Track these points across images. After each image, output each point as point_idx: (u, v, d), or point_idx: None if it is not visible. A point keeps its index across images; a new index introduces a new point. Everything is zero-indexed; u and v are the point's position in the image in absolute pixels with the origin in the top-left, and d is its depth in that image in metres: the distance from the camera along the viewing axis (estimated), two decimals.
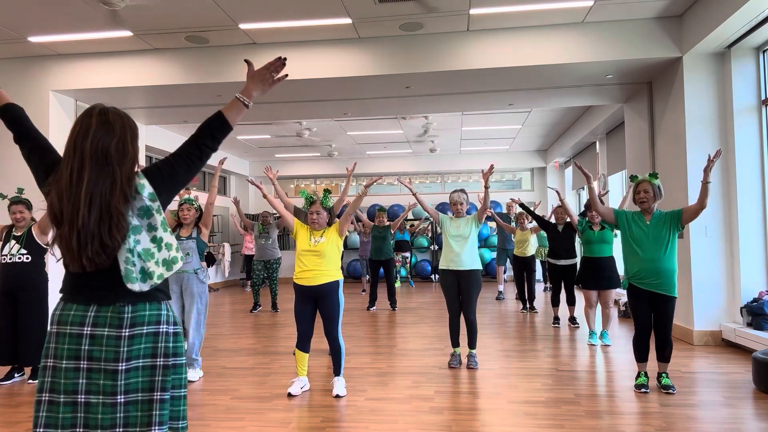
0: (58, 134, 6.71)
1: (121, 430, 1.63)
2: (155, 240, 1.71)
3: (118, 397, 1.62)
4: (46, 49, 6.51)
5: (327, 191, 4.28)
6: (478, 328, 6.68)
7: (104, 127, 1.68)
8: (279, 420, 3.58)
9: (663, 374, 4.14)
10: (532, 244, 8.16)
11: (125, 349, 1.64)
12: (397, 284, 12.05)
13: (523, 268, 8.20)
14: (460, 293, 4.85)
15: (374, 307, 8.70)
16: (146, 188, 1.71)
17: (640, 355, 4.14)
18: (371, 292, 8.72)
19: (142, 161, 8.63)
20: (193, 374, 4.61)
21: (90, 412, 1.62)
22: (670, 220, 4.00)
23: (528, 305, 8.21)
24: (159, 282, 1.70)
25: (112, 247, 1.64)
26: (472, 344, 4.88)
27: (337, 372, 4.18)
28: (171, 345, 1.74)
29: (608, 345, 5.66)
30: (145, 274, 1.67)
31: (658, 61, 6.02)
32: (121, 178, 1.66)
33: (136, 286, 1.66)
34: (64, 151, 1.69)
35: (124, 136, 1.71)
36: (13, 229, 4.66)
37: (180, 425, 1.76)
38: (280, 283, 12.32)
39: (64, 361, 1.63)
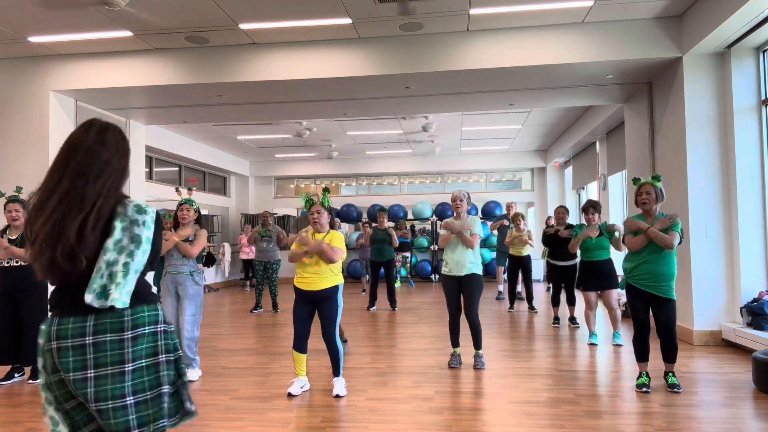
0: (57, 134, 6.71)
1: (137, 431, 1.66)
2: (126, 266, 1.66)
3: (128, 398, 1.65)
4: (46, 49, 6.51)
5: (326, 189, 4.27)
6: None
7: (96, 143, 1.72)
8: (279, 420, 3.58)
9: (670, 373, 4.16)
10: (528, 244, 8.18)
11: (130, 350, 1.66)
12: (397, 284, 12.06)
13: (519, 266, 8.22)
14: (462, 295, 4.85)
15: (374, 307, 8.70)
16: (151, 226, 1.73)
17: (641, 355, 4.15)
18: (371, 293, 8.72)
19: (142, 161, 8.63)
20: (192, 374, 4.61)
21: (102, 417, 1.65)
22: (672, 227, 4.01)
23: (528, 305, 8.23)
24: (114, 306, 1.64)
25: (80, 249, 1.61)
26: (477, 345, 4.88)
27: (336, 373, 4.17)
28: (171, 342, 1.79)
29: (620, 345, 5.62)
30: (104, 292, 1.64)
31: (658, 61, 6.02)
32: (103, 189, 1.68)
33: (89, 298, 1.62)
34: (51, 164, 1.72)
35: (115, 152, 1.75)
36: (8, 232, 4.61)
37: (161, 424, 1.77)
38: (280, 283, 12.31)
39: (71, 374, 1.63)
